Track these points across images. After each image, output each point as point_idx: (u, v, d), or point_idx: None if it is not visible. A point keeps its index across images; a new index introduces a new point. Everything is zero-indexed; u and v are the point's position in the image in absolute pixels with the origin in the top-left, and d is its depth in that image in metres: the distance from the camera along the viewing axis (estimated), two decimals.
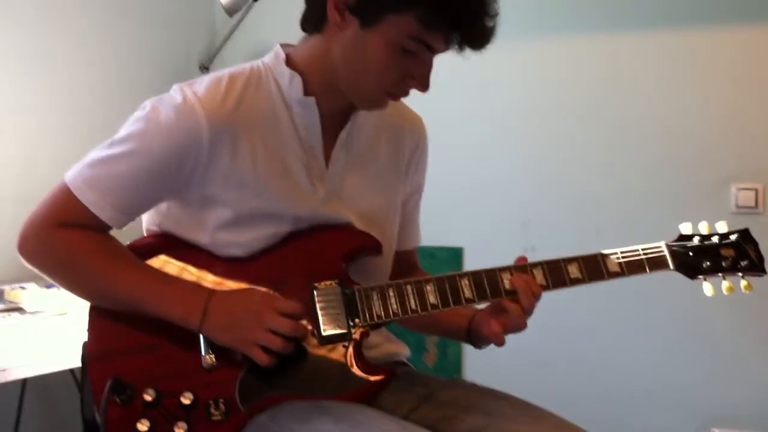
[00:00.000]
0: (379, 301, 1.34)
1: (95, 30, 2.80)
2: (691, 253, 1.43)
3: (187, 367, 1.30)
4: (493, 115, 2.91)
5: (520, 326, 1.36)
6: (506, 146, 2.90)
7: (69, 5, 2.72)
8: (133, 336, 1.32)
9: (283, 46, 1.40)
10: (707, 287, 1.43)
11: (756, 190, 2.61)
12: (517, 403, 1.35)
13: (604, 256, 1.40)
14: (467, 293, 1.36)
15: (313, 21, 1.35)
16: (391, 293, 1.35)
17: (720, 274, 1.43)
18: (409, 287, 1.35)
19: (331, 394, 1.31)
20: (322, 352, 1.32)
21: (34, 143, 2.60)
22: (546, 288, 1.37)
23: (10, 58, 2.53)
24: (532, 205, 2.87)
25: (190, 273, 1.35)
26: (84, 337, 1.33)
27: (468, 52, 1.30)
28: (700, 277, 1.43)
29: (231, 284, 1.34)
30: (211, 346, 1.29)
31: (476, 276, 1.37)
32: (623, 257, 1.40)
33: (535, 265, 1.38)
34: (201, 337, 1.30)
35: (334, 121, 1.40)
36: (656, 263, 1.41)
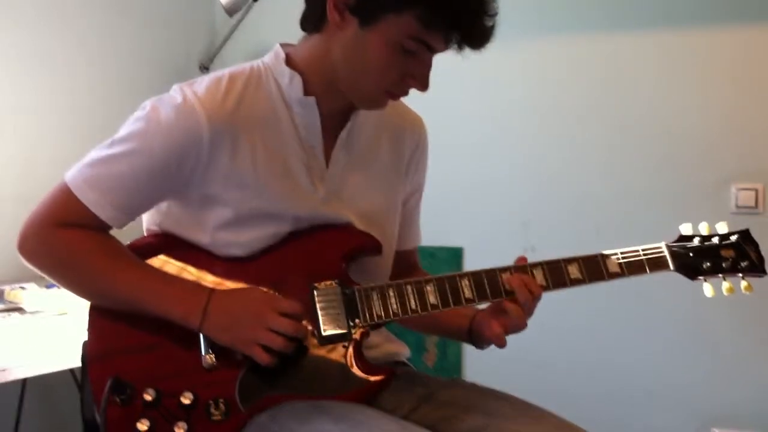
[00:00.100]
0: (379, 301, 1.34)
1: (95, 30, 2.80)
2: (691, 254, 1.43)
3: (187, 366, 1.30)
4: (493, 114, 2.91)
5: (520, 326, 1.37)
6: (506, 146, 2.90)
7: (69, 5, 2.72)
8: (133, 335, 1.32)
9: (283, 45, 1.40)
10: (707, 288, 1.43)
11: (756, 190, 2.61)
12: (517, 403, 1.35)
13: (605, 257, 1.40)
14: (467, 293, 1.36)
15: (312, 21, 1.35)
16: (391, 293, 1.35)
17: (720, 275, 1.43)
18: (409, 287, 1.35)
19: (331, 394, 1.31)
20: (322, 352, 1.32)
21: (34, 143, 2.60)
22: (546, 288, 1.38)
23: (10, 58, 2.53)
24: (532, 205, 2.87)
25: (190, 273, 1.35)
26: (84, 336, 1.33)
27: (467, 51, 1.30)
28: (701, 277, 1.43)
29: (231, 284, 1.34)
30: (211, 345, 1.29)
31: (476, 276, 1.37)
32: (623, 258, 1.40)
33: (535, 265, 1.38)
34: (201, 336, 1.30)
35: (334, 120, 1.40)
36: (656, 264, 1.42)
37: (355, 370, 1.32)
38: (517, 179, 2.89)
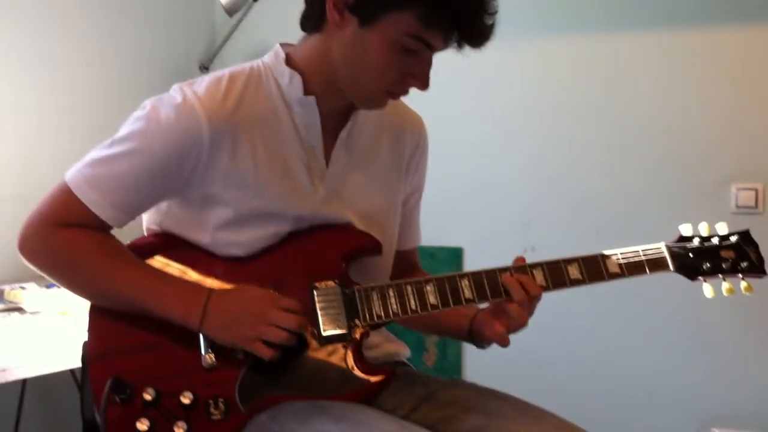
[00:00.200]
0: (379, 302, 1.34)
1: (95, 30, 2.80)
2: (691, 255, 1.43)
3: (187, 366, 1.30)
4: (493, 114, 2.91)
5: (522, 325, 1.36)
6: (506, 146, 2.90)
7: (69, 5, 2.72)
8: (133, 335, 1.32)
9: (282, 45, 1.40)
10: (707, 288, 1.43)
11: (756, 190, 2.61)
12: (516, 403, 1.35)
13: (605, 257, 1.40)
14: (467, 293, 1.36)
15: (312, 20, 1.35)
16: (391, 293, 1.35)
17: (720, 276, 1.43)
18: (409, 287, 1.35)
19: (331, 394, 1.31)
20: (322, 352, 1.32)
21: (34, 143, 2.60)
22: (546, 289, 1.37)
23: (10, 58, 2.53)
24: (532, 205, 2.87)
25: (190, 272, 1.35)
26: (84, 337, 1.33)
27: (467, 50, 1.30)
28: (700, 278, 1.43)
29: (231, 284, 1.34)
30: (211, 345, 1.29)
31: (476, 276, 1.37)
32: (623, 258, 1.40)
33: (535, 265, 1.38)
34: (201, 336, 1.30)
35: (335, 120, 1.40)
36: (656, 264, 1.41)
37: (355, 371, 1.32)
38: (517, 179, 2.89)
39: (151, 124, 1.30)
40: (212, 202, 1.33)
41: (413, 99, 1.41)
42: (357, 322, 1.33)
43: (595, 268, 1.39)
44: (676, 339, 2.70)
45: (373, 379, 1.33)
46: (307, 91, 1.36)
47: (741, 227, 1.47)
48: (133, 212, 1.34)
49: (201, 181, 1.31)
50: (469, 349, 2.94)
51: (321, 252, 1.37)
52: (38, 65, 2.61)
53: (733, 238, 1.45)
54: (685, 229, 1.46)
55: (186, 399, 1.27)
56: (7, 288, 2.25)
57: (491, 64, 2.68)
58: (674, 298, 2.50)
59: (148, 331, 1.32)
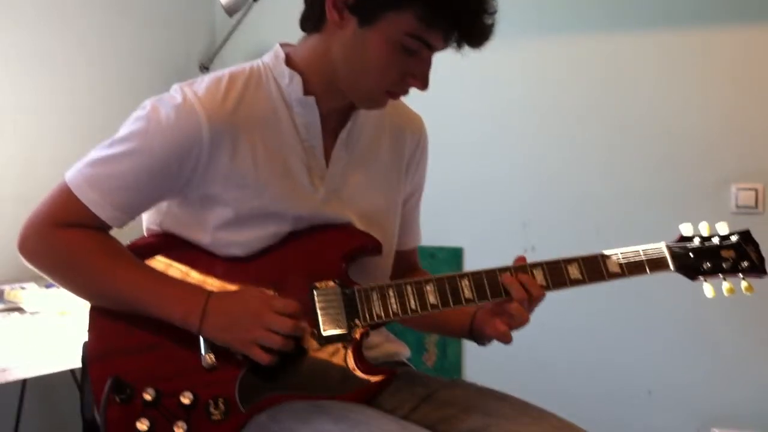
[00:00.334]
0: (379, 301, 1.34)
1: (95, 30, 2.80)
2: (691, 254, 1.43)
3: (187, 366, 1.30)
4: (493, 114, 2.91)
5: (523, 322, 1.36)
6: (506, 146, 2.90)
7: (69, 5, 2.72)
8: (133, 335, 1.32)
9: (282, 45, 1.40)
10: (708, 288, 1.43)
11: (756, 190, 2.61)
12: (516, 403, 1.35)
13: (605, 257, 1.40)
14: (467, 293, 1.36)
15: (312, 20, 1.35)
16: (391, 293, 1.35)
17: (720, 276, 1.43)
18: (409, 287, 1.35)
19: (331, 394, 1.31)
20: (322, 352, 1.32)
21: (34, 143, 2.60)
22: (546, 288, 1.37)
23: (10, 58, 2.53)
24: (532, 205, 2.87)
25: (190, 272, 1.35)
26: (84, 337, 1.33)
27: (467, 50, 1.30)
28: (701, 278, 1.43)
29: (231, 284, 1.34)
30: (211, 345, 1.29)
31: (476, 276, 1.37)
32: (623, 258, 1.40)
33: (535, 265, 1.38)
34: (201, 336, 1.30)
35: (335, 120, 1.40)
36: (657, 264, 1.41)
37: (356, 371, 1.32)
38: (517, 179, 2.89)
39: (151, 124, 1.30)
40: (212, 202, 1.33)
41: (413, 99, 1.41)
42: (357, 322, 1.33)
43: (595, 268, 1.39)
44: (676, 339, 2.70)
45: (374, 379, 1.33)
46: (307, 91, 1.36)
47: (741, 227, 1.47)
48: (133, 212, 1.34)
49: (201, 181, 1.31)
50: (469, 349, 2.95)
51: (321, 252, 1.37)
52: (38, 65, 2.61)
53: (734, 238, 1.45)
54: (686, 229, 1.46)
55: (186, 399, 1.27)
56: (7, 288, 2.25)
57: (491, 64, 2.68)
58: (674, 298, 2.50)
59: (148, 332, 1.31)
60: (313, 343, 1.32)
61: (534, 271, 1.38)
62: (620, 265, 1.40)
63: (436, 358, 2.99)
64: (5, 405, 2.48)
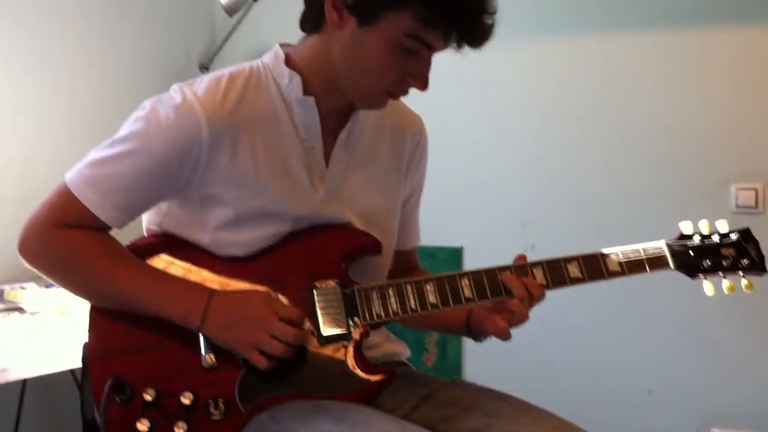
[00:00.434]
0: (378, 301, 1.34)
1: (95, 30, 2.80)
2: (691, 253, 1.43)
3: (187, 366, 1.30)
4: (492, 114, 2.91)
5: (523, 319, 1.36)
6: (506, 146, 2.90)
7: (69, 5, 2.72)
8: (133, 335, 1.32)
9: (282, 45, 1.40)
10: (708, 287, 1.43)
11: (756, 190, 2.61)
12: (516, 403, 1.35)
13: (605, 256, 1.40)
14: (467, 293, 1.36)
15: (311, 21, 1.35)
16: (391, 293, 1.35)
17: (721, 274, 1.43)
18: (408, 287, 1.35)
19: (332, 394, 1.31)
20: (322, 352, 1.32)
21: (34, 143, 2.60)
22: (546, 287, 1.37)
23: (10, 58, 2.53)
24: (532, 205, 2.87)
25: (191, 272, 1.35)
26: (84, 337, 1.33)
27: (467, 50, 1.30)
28: (701, 276, 1.43)
29: (231, 284, 1.34)
30: (211, 345, 1.29)
31: (476, 276, 1.37)
32: (623, 256, 1.40)
33: (535, 264, 1.38)
34: (201, 336, 1.30)
35: (334, 120, 1.40)
36: (657, 262, 1.41)
37: (356, 370, 1.32)
38: (517, 179, 2.89)
39: (150, 124, 1.30)
40: (212, 202, 1.33)
41: (413, 99, 1.41)
42: (357, 321, 1.33)
43: (595, 267, 1.39)
44: (676, 338, 2.70)
45: (374, 378, 1.33)
46: (306, 92, 1.36)
47: (741, 227, 1.47)
48: (133, 213, 1.34)
49: (201, 181, 1.31)
50: (469, 349, 2.95)
51: (321, 252, 1.37)
52: (38, 65, 2.61)
53: (734, 236, 1.45)
54: (686, 227, 1.46)
55: (186, 399, 1.27)
56: (7, 288, 2.25)
57: (491, 64, 2.69)
58: (674, 297, 2.50)
59: (148, 332, 1.31)
60: (313, 343, 1.32)
61: (534, 270, 1.38)
62: (620, 263, 1.40)
63: (436, 358, 2.99)
64: (5, 405, 2.48)
